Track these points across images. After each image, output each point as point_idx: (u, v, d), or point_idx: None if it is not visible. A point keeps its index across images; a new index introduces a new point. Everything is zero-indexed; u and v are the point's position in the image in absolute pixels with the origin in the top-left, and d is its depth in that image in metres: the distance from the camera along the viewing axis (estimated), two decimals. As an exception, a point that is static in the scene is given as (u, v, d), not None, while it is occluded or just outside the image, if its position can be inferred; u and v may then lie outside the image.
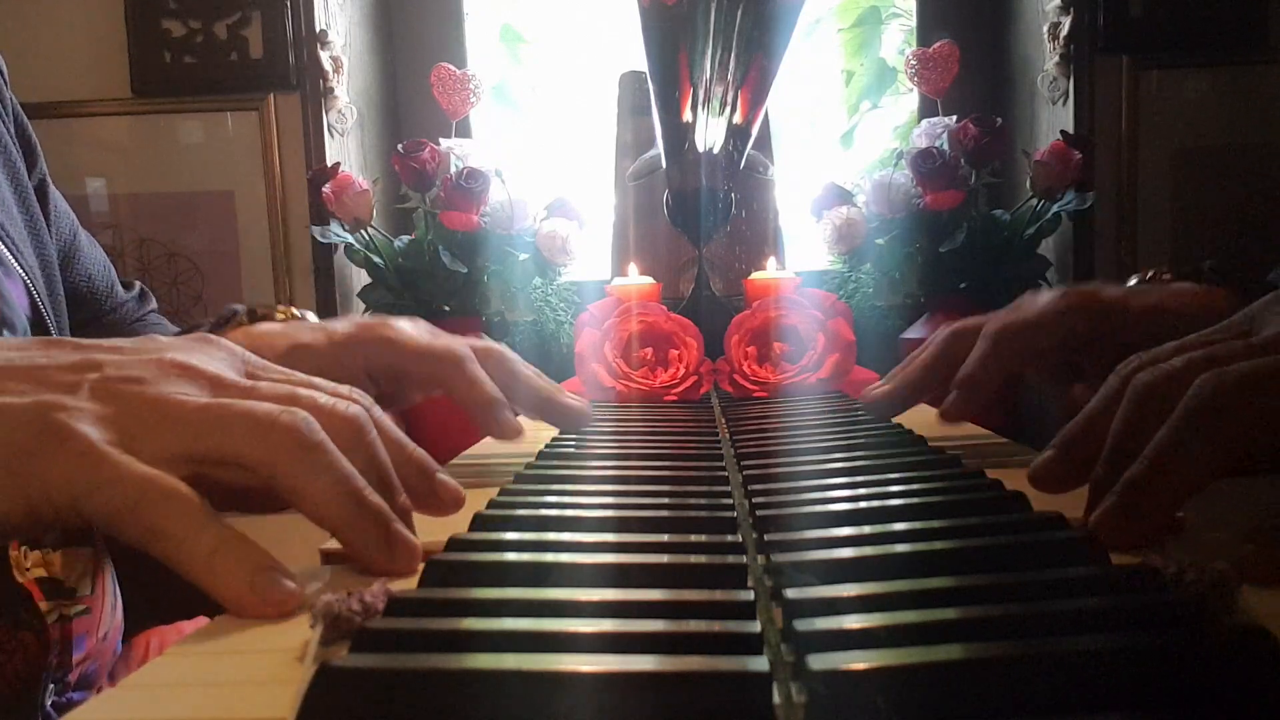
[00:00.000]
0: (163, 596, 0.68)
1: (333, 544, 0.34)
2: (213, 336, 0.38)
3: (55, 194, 0.70)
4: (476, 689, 0.20)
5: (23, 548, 0.52)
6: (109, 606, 0.60)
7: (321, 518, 0.31)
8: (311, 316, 0.65)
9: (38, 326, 0.60)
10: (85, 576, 0.56)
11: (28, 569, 0.52)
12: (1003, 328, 0.52)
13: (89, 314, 0.72)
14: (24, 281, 0.59)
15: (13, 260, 0.58)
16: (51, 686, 0.52)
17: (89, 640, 0.56)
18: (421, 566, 0.30)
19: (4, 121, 0.65)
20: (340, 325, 0.56)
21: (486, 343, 0.58)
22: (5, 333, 0.56)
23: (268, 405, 0.31)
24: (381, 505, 0.32)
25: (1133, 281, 0.67)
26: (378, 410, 0.36)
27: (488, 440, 0.62)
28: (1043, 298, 0.54)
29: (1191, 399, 0.30)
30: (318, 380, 0.36)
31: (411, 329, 0.57)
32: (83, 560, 0.56)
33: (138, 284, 0.79)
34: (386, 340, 0.55)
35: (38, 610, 0.52)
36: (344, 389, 0.36)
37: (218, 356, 0.36)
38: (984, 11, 1.56)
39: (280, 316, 0.63)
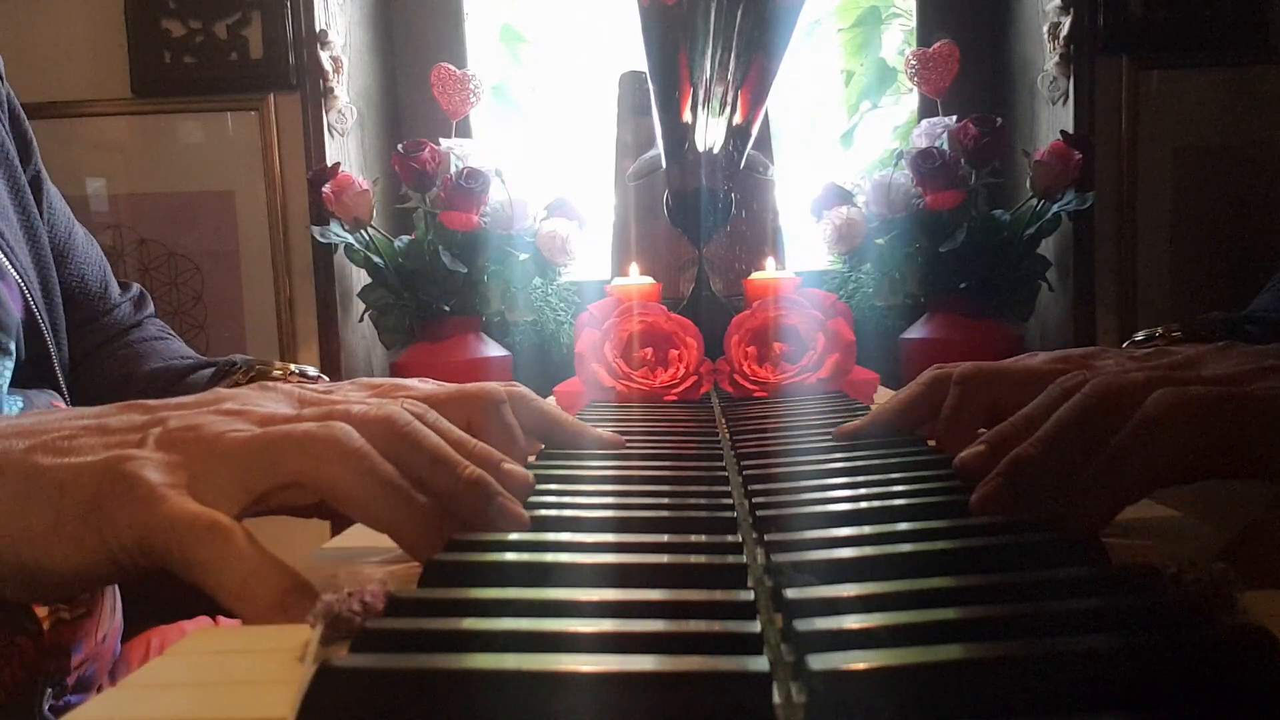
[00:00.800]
0: (163, 596, 0.68)
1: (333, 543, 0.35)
2: (269, 384, 0.40)
3: (51, 189, 0.70)
4: (476, 689, 0.20)
5: None
6: (108, 609, 0.60)
7: (371, 520, 0.32)
8: (312, 371, 0.70)
9: (30, 329, 0.60)
10: None
11: None
12: (974, 375, 0.51)
13: (84, 315, 0.72)
14: (18, 284, 0.59)
15: (6, 262, 0.58)
16: (49, 691, 0.52)
17: (87, 643, 0.56)
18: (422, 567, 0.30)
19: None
20: (357, 392, 0.55)
21: (509, 386, 0.56)
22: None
23: (307, 425, 0.33)
24: (426, 503, 0.33)
25: (1139, 337, 0.69)
26: (434, 414, 0.38)
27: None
28: (1036, 356, 0.53)
29: (1149, 407, 0.32)
30: (368, 391, 0.37)
31: (432, 384, 0.56)
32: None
33: (136, 286, 0.79)
34: (413, 392, 0.56)
35: (34, 616, 0.52)
36: (397, 390, 0.37)
37: (272, 398, 0.38)
38: (984, 11, 1.56)
39: (278, 373, 0.67)
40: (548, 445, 0.55)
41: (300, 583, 0.29)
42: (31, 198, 0.65)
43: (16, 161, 0.65)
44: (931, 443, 0.51)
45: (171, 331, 0.80)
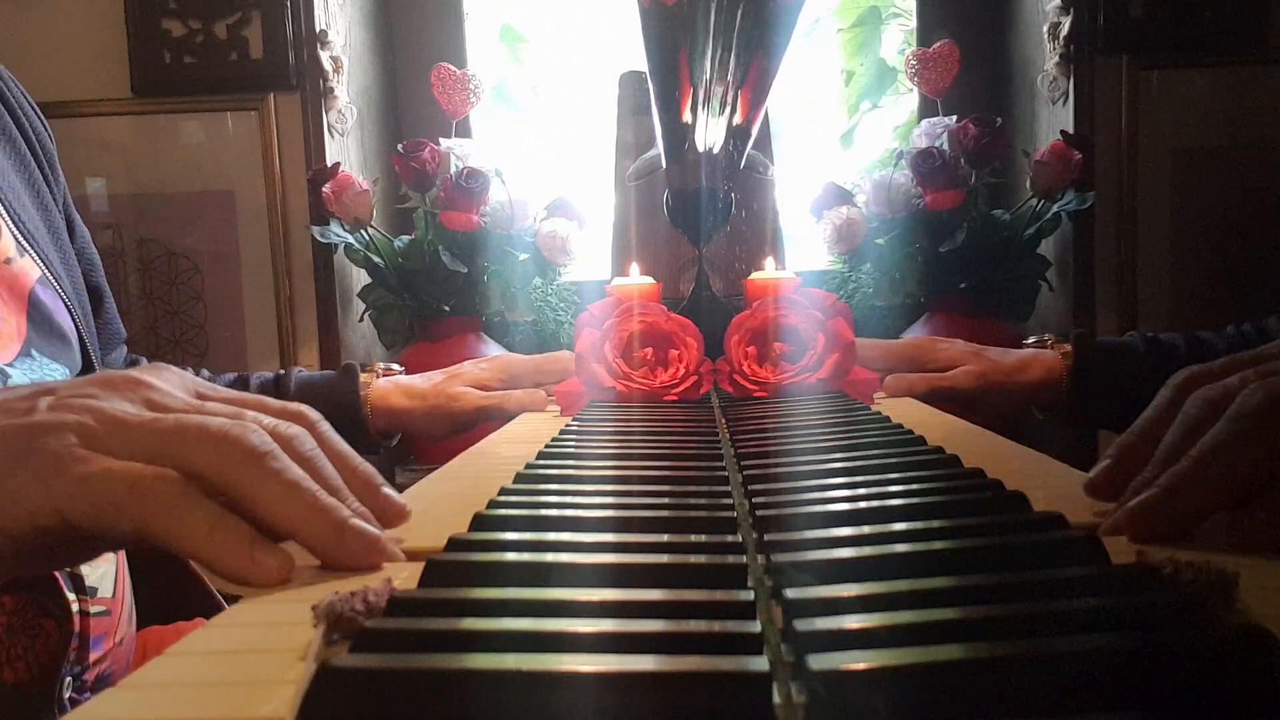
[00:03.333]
0: (163, 597, 0.68)
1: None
2: (163, 365, 0.40)
3: (82, 229, 0.74)
4: (477, 689, 0.20)
5: None
6: (126, 612, 0.60)
7: (275, 520, 0.31)
8: (398, 368, 0.94)
9: (81, 349, 0.63)
10: (106, 577, 0.57)
11: None
12: (973, 387, 0.84)
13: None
14: (67, 309, 0.62)
15: (57, 288, 0.61)
16: (69, 680, 0.53)
17: (106, 642, 0.56)
18: (423, 566, 0.30)
19: (55, 198, 0.69)
20: (479, 365, 0.92)
21: (490, 360, 0.74)
22: (51, 350, 0.59)
23: (220, 420, 0.32)
24: (334, 503, 0.32)
25: (1030, 341, 0.92)
26: (324, 426, 0.38)
27: (491, 438, 0.68)
28: (904, 341, 0.82)
29: (1239, 405, 0.32)
30: (268, 401, 0.37)
31: (528, 358, 0.97)
32: (105, 561, 0.57)
33: (144, 360, 0.82)
34: (520, 362, 0.94)
35: (63, 599, 0.52)
36: (292, 408, 0.37)
37: (165, 378, 0.37)
38: (984, 11, 1.56)
39: (383, 372, 0.91)
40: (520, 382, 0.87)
41: (259, 535, 0.30)
42: (67, 238, 0.70)
43: (56, 205, 0.69)
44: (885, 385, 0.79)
45: None
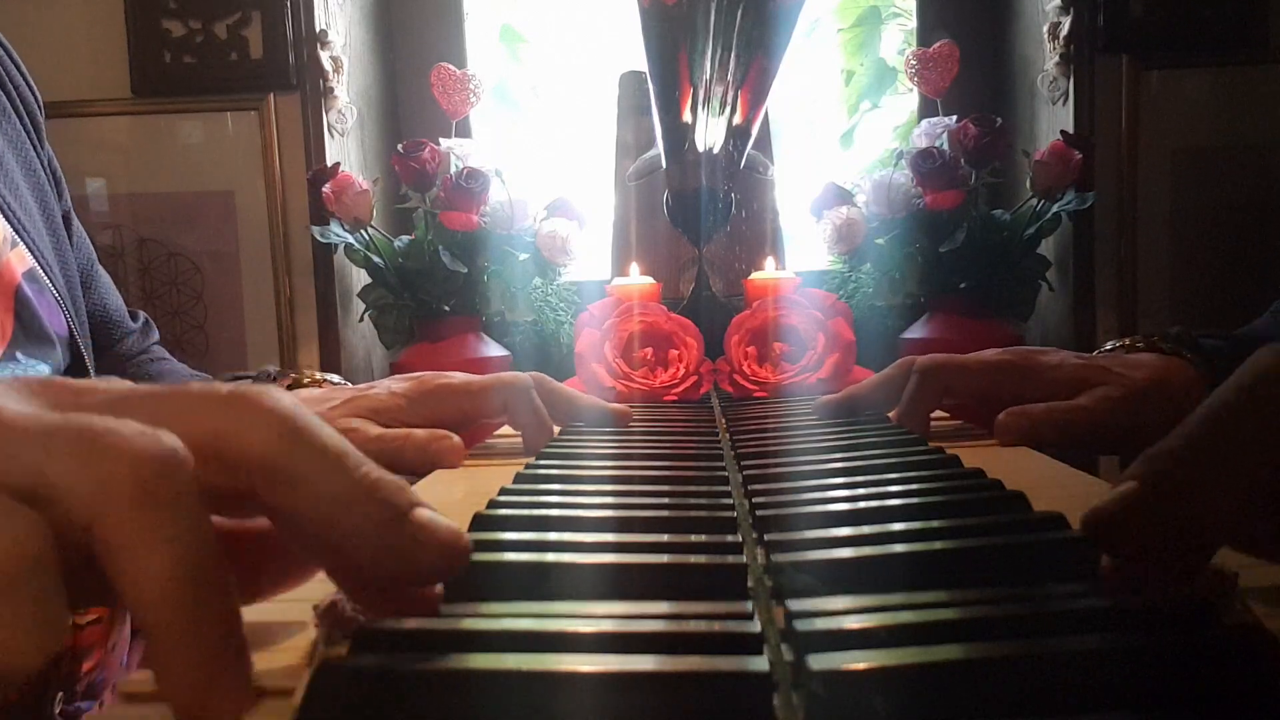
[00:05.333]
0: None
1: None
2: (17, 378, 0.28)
3: (77, 224, 0.73)
4: (477, 689, 0.20)
5: None
6: (119, 618, 0.60)
7: (310, 503, 0.22)
8: (336, 379, 0.71)
9: (72, 348, 0.62)
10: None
11: None
12: (932, 366, 0.57)
13: (102, 342, 0.73)
14: (58, 303, 0.60)
15: (48, 282, 0.60)
16: (60, 694, 0.52)
17: (98, 650, 0.56)
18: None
19: (40, 158, 0.68)
20: (395, 384, 0.61)
21: (531, 374, 0.64)
22: (28, 350, 0.57)
23: (109, 424, 0.20)
24: (382, 473, 0.22)
25: (1108, 347, 0.68)
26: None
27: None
28: (986, 353, 0.60)
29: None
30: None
31: (465, 375, 0.63)
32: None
33: (142, 314, 0.81)
34: (449, 386, 0.60)
35: None
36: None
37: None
38: (984, 11, 1.56)
39: (307, 381, 0.69)
40: (569, 421, 0.63)
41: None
42: (64, 232, 0.68)
43: (54, 200, 0.68)
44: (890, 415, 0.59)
45: (179, 363, 0.83)
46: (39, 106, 0.70)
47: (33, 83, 0.70)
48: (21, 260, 0.59)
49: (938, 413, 0.64)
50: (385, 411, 0.59)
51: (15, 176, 0.63)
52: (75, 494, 0.19)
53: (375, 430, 0.58)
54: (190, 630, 0.19)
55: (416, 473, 0.55)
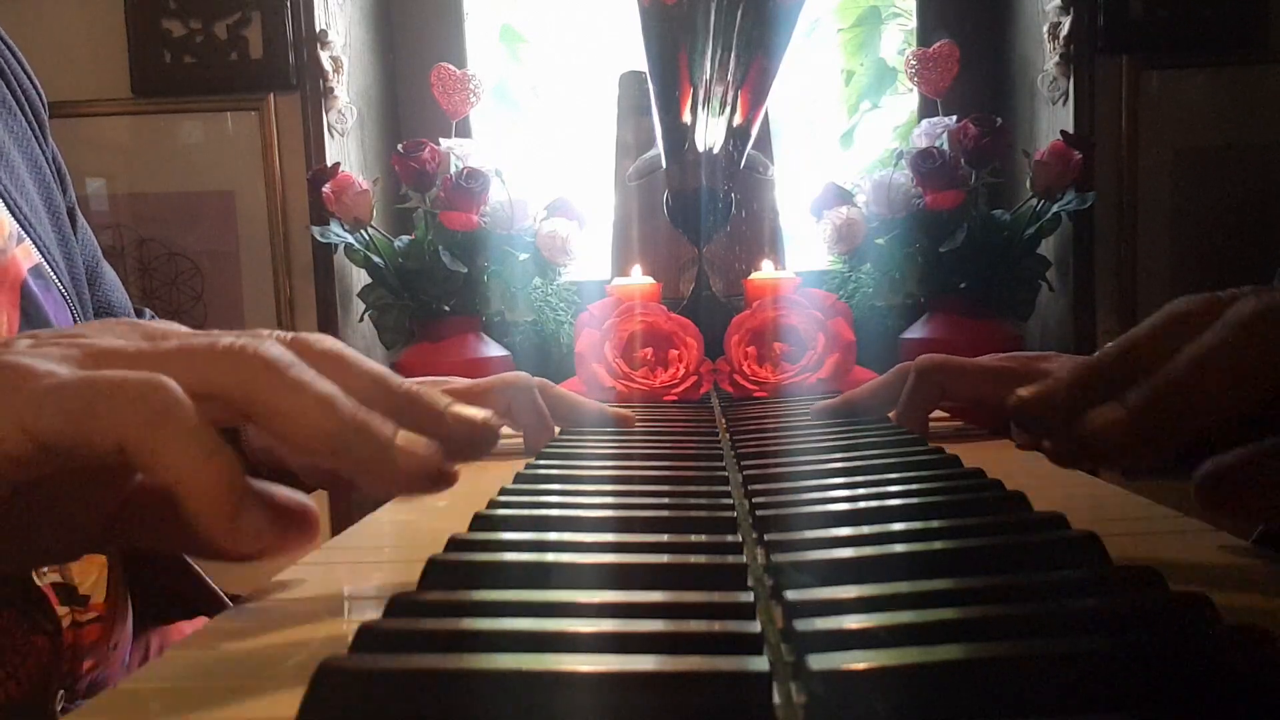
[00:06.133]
0: (163, 597, 0.68)
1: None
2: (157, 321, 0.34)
3: (82, 220, 0.73)
4: (477, 689, 0.20)
5: None
6: (121, 617, 0.60)
7: (312, 437, 0.26)
8: None
9: None
10: (99, 584, 0.57)
11: (44, 573, 0.53)
12: (929, 366, 0.57)
13: None
14: (64, 299, 0.61)
15: (54, 278, 0.60)
16: (61, 693, 0.53)
17: (100, 648, 0.56)
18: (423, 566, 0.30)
19: (44, 153, 0.68)
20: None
21: (517, 376, 0.64)
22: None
23: (229, 338, 0.27)
24: (376, 416, 0.27)
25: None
26: (349, 353, 0.31)
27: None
28: (986, 358, 0.59)
29: (1234, 310, 0.27)
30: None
31: (462, 380, 0.63)
32: (96, 568, 0.57)
33: (148, 312, 0.81)
34: (452, 392, 0.60)
35: (54, 614, 0.52)
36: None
37: (158, 322, 0.33)
38: (984, 11, 1.56)
39: None
40: (570, 425, 0.62)
41: (256, 494, 0.25)
42: (69, 226, 0.68)
43: (59, 195, 0.68)
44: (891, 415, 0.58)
45: None
46: (43, 102, 0.70)
47: (36, 79, 0.70)
48: (27, 255, 0.59)
49: (938, 413, 0.64)
50: None
51: (20, 172, 0.63)
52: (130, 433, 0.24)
53: None
54: (344, 433, 0.26)
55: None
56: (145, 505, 0.31)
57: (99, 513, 0.30)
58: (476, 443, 0.30)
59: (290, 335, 0.30)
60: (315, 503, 0.29)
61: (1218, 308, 0.28)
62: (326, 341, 0.30)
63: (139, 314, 0.79)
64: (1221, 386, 0.26)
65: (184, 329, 0.30)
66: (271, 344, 0.27)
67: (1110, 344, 0.31)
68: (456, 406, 0.30)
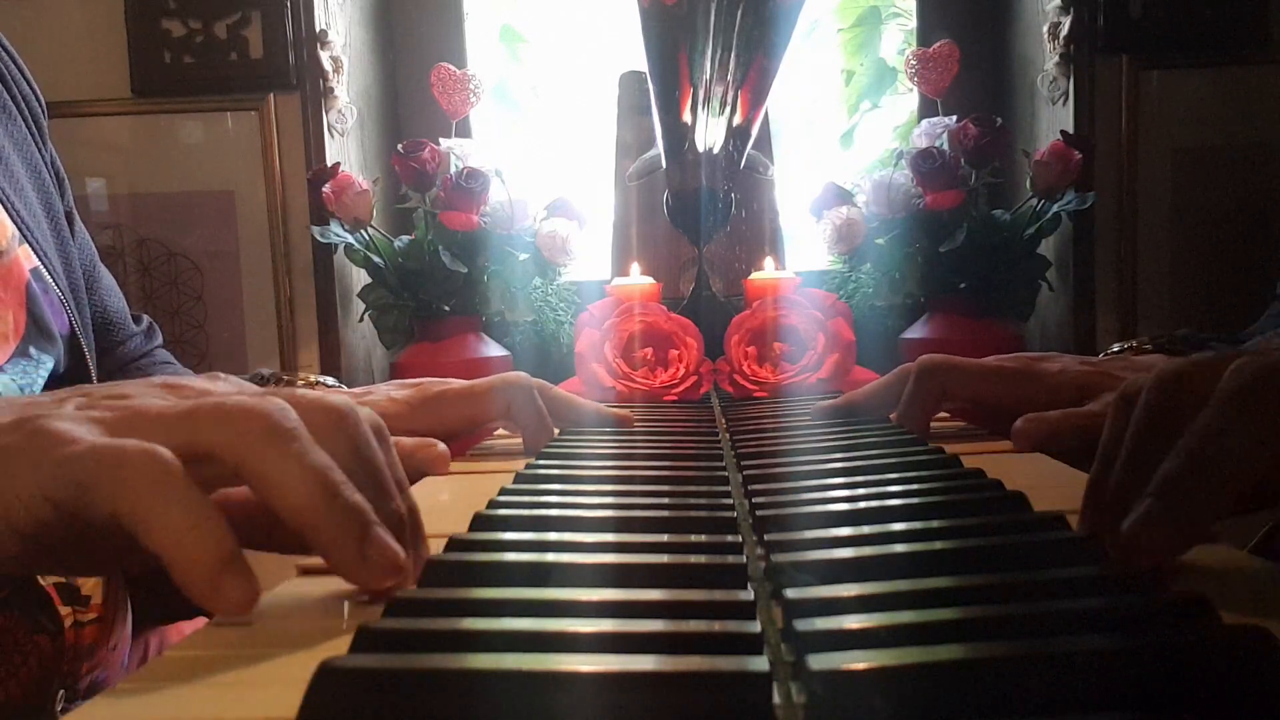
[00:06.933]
0: (163, 597, 0.68)
1: (311, 560, 0.33)
2: (223, 375, 0.38)
3: (79, 225, 0.73)
4: (477, 689, 0.20)
5: None
6: (120, 617, 0.60)
7: (289, 509, 0.27)
8: (331, 381, 0.74)
9: (72, 345, 0.62)
10: (99, 585, 0.57)
11: None
12: (930, 366, 0.57)
13: (104, 344, 0.73)
14: (60, 302, 0.61)
15: (51, 280, 0.60)
16: (62, 693, 0.53)
17: (99, 649, 0.56)
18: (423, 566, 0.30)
19: (43, 157, 0.68)
20: (395, 391, 0.61)
21: (518, 376, 0.63)
22: (41, 346, 0.57)
23: (240, 397, 0.29)
24: (360, 502, 0.28)
25: (1115, 349, 0.71)
26: (381, 425, 0.33)
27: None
28: (987, 359, 0.59)
29: (1230, 380, 0.27)
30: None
31: (461, 382, 0.63)
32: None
33: (146, 318, 0.81)
34: (452, 392, 0.60)
35: (57, 615, 0.52)
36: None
37: (206, 378, 0.36)
38: (984, 11, 1.56)
39: (301, 383, 0.70)
40: (569, 425, 0.62)
41: (237, 558, 0.25)
42: (67, 230, 0.68)
43: (56, 198, 0.68)
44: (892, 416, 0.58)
45: (181, 365, 0.82)
46: (41, 106, 0.70)
47: (34, 82, 0.70)
48: (28, 257, 0.60)
49: (941, 414, 0.64)
50: (386, 419, 0.59)
51: (19, 175, 0.63)
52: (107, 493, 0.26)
53: None
54: (327, 514, 0.27)
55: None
56: None
57: (119, 552, 0.32)
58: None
59: (300, 393, 0.31)
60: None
61: (1214, 372, 0.28)
62: (332, 404, 0.30)
63: (136, 319, 0.79)
64: (1238, 465, 0.26)
65: (220, 384, 0.33)
66: (277, 409, 0.28)
67: (1126, 447, 0.30)
68: (380, 534, 0.29)
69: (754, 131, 0.86)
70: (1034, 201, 1.31)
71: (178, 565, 0.25)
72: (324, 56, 1.39)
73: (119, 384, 0.33)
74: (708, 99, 0.72)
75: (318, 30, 1.38)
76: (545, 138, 1.70)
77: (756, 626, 0.22)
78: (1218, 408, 0.27)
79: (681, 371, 0.80)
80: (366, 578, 0.28)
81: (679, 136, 0.83)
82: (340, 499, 0.27)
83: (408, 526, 0.31)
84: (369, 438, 0.31)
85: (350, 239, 1.33)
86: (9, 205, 0.59)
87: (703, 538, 0.31)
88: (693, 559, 0.28)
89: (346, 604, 0.30)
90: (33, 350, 0.57)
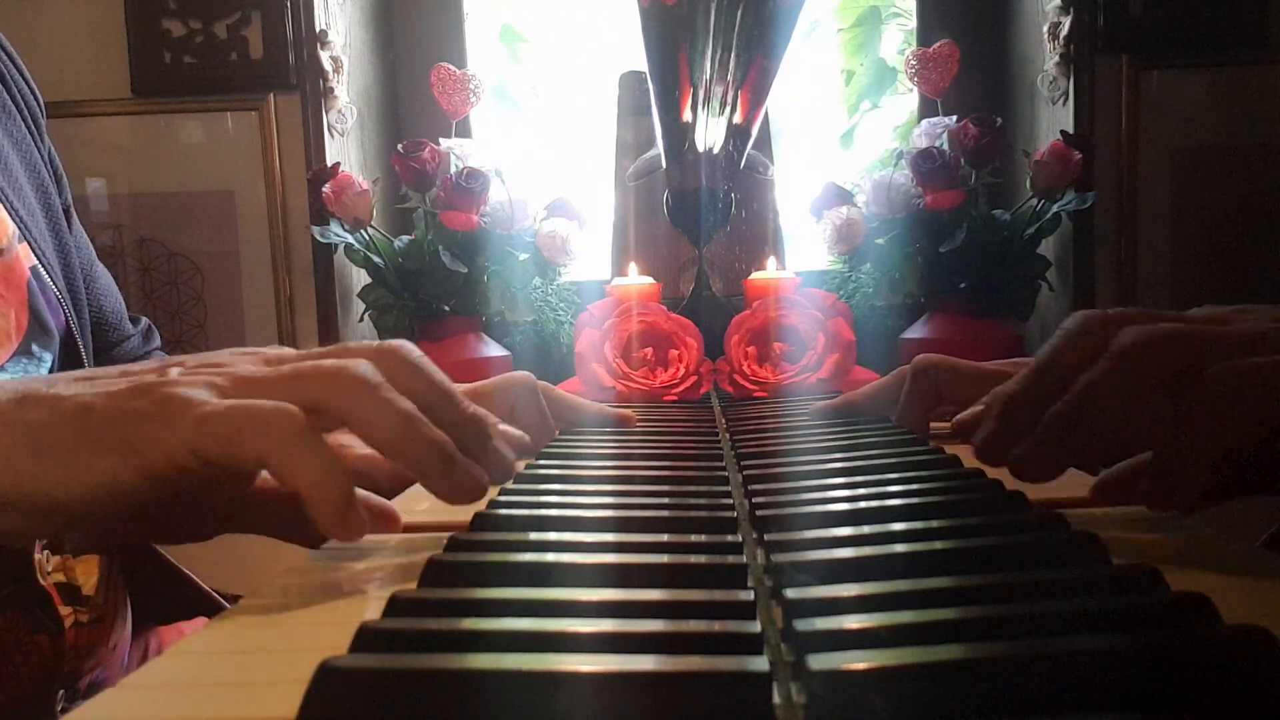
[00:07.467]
0: (163, 598, 0.68)
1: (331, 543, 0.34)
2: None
3: (77, 223, 0.72)
4: (477, 689, 0.20)
5: (45, 551, 0.53)
6: (120, 617, 0.60)
7: (389, 446, 0.33)
8: None
9: (68, 344, 0.62)
10: (100, 585, 0.57)
11: (48, 572, 0.53)
12: (925, 365, 0.57)
13: (100, 344, 0.73)
14: (58, 301, 0.61)
15: (48, 279, 0.60)
16: (62, 692, 0.53)
17: (100, 649, 0.56)
18: (423, 566, 0.30)
19: (41, 154, 0.68)
20: None
21: (522, 375, 0.63)
22: (42, 343, 0.57)
23: (332, 360, 0.35)
24: (440, 436, 0.34)
25: None
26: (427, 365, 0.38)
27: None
28: (988, 363, 0.59)
29: (1118, 339, 0.33)
30: (365, 344, 0.39)
31: (462, 386, 0.65)
32: (100, 569, 0.57)
33: (144, 319, 0.81)
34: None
35: (57, 614, 0.52)
36: (387, 346, 0.39)
37: (273, 347, 0.40)
38: (984, 11, 1.56)
39: None
40: (570, 426, 0.62)
41: (355, 499, 0.32)
42: (65, 227, 0.68)
43: (55, 196, 0.68)
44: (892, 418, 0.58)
45: None
46: (39, 103, 0.70)
47: (31, 79, 0.70)
48: (28, 255, 0.60)
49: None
50: None
51: (18, 175, 0.63)
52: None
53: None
54: (424, 447, 0.34)
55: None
56: (260, 500, 0.39)
57: (224, 504, 0.39)
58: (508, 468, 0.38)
59: (376, 346, 0.36)
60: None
61: (1111, 327, 0.34)
62: (409, 354, 0.36)
63: (134, 321, 0.79)
64: (1108, 417, 0.32)
65: (291, 351, 0.38)
66: (363, 364, 0.34)
67: (1023, 372, 0.36)
68: (503, 426, 0.39)
69: (754, 131, 0.86)
70: (1034, 201, 1.31)
71: (313, 502, 0.31)
72: (324, 56, 1.39)
73: (202, 355, 0.37)
74: (708, 99, 0.72)
75: (318, 30, 1.38)
76: (545, 138, 1.70)
77: (756, 626, 0.22)
78: (1102, 361, 0.33)
79: (681, 371, 0.80)
80: (453, 496, 0.34)
81: (679, 136, 0.83)
82: (423, 434, 0.33)
83: (475, 432, 0.36)
84: (430, 367, 0.37)
85: (350, 239, 1.33)
86: (8, 204, 0.59)
87: (703, 538, 0.31)
88: (693, 559, 0.28)
89: (347, 604, 0.30)
90: (35, 348, 0.57)
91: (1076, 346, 0.35)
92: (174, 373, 0.34)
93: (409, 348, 0.37)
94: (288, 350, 0.39)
